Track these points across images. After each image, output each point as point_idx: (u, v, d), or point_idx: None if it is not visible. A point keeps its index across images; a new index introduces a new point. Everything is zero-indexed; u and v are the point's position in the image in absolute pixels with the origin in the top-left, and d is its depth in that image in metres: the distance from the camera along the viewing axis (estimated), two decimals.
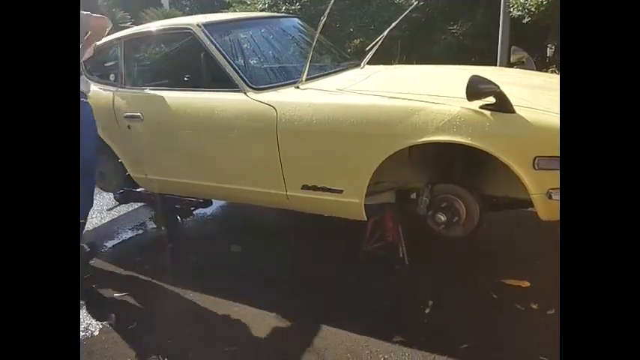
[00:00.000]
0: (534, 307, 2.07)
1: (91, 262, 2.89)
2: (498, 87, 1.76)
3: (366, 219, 2.24)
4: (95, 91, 2.84)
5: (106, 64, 2.88)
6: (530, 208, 1.97)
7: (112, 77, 2.81)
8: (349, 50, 6.25)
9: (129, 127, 2.67)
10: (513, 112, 1.79)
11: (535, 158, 1.76)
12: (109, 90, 2.79)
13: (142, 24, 3.26)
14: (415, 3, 4.64)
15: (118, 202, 3.39)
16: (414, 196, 2.33)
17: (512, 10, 5.41)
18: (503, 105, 1.79)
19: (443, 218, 2.06)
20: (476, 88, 1.77)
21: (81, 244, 3.03)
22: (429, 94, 2.03)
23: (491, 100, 1.81)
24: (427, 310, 2.12)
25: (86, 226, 3.38)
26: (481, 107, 1.83)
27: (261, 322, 2.14)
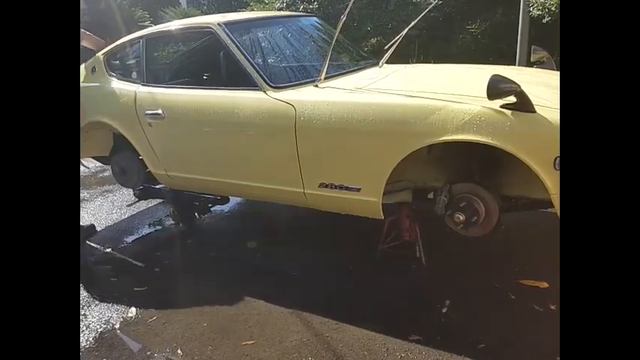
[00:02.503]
0: (552, 308, 2.05)
1: (113, 254, 2.95)
2: (519, 86, 1.75)
3: (383, 218, 2.25)
4: (118, 89, 2.90)
5: (127, 62, 2.92)
6: (549, 209, 1.96)
7: (134, 75, 2.86)
8: (366, 49, 6.24)
9: (150, 124, 2.72)
10: (534, 111, 1.78)
11: (556, 158, 1.74)
12: (131, 88, 2.83)
13: (160, 23, 3.31)
14: (434, 2, 4.61)
15: (137, 199, 3.45)
16: (430, 195, 2.33)
17: (531, 9, 5.34)
18: (524, 104, 1.78)
19: (461, 218, 2.05)
20: (497, 88, 1.75)
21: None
22: (448, 92, 2.02)
23: (512, 99, 1.80)
24: (444, 310, 2.12)
25: (107, 222, 3.46)
26: (502, 107, 1.82)
27: (278, 318, 2.17)
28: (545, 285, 2.21)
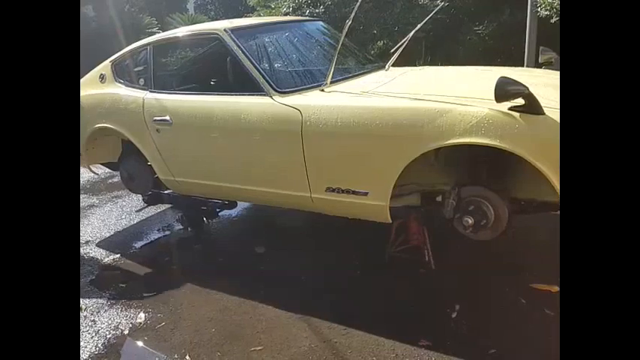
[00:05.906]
0: None
1: (120, 261, 2.97)
2: (527, 88, 1.73)
3: (391, 222, 2.23)
4: (125, 95, 2.91)
5: (135, 69, 2.94)
6: (559, 211, 1.93)
7: (141, 82, 2.87)
8: (373, 52, 6.23)
9: (158, 130, 2.73)
10: (542, 113, 1.76)
11: None
12: (139, 94, 2.85)
13: (168, 29, 3.33)
14: (441, 4, 4.60)
15: (146, 204, 3.47)
16: (439, 198, 2.31)
17: (539, 9, 5.30)
18: (532, 106, 1.76)
19: (470, 221, 2.03)
20: (504, 90, 1.74)
21: None
22: (456, 95, 2.00)
23: (520, 101, 1.78)
24: (454, 315, 2.10)
25: (116, 228, 3.48)
26: (510, 109, 1.80)
27: (286, 323, 2.16)
28: (557, 289, 2.17)
